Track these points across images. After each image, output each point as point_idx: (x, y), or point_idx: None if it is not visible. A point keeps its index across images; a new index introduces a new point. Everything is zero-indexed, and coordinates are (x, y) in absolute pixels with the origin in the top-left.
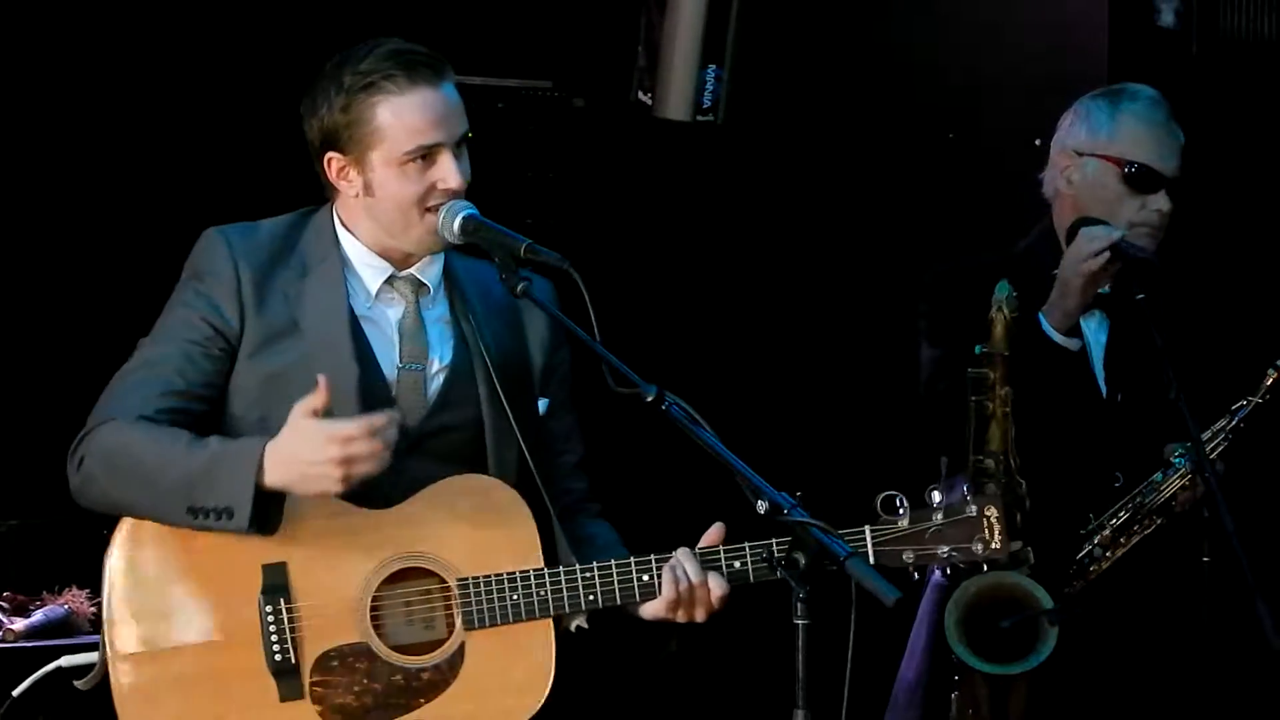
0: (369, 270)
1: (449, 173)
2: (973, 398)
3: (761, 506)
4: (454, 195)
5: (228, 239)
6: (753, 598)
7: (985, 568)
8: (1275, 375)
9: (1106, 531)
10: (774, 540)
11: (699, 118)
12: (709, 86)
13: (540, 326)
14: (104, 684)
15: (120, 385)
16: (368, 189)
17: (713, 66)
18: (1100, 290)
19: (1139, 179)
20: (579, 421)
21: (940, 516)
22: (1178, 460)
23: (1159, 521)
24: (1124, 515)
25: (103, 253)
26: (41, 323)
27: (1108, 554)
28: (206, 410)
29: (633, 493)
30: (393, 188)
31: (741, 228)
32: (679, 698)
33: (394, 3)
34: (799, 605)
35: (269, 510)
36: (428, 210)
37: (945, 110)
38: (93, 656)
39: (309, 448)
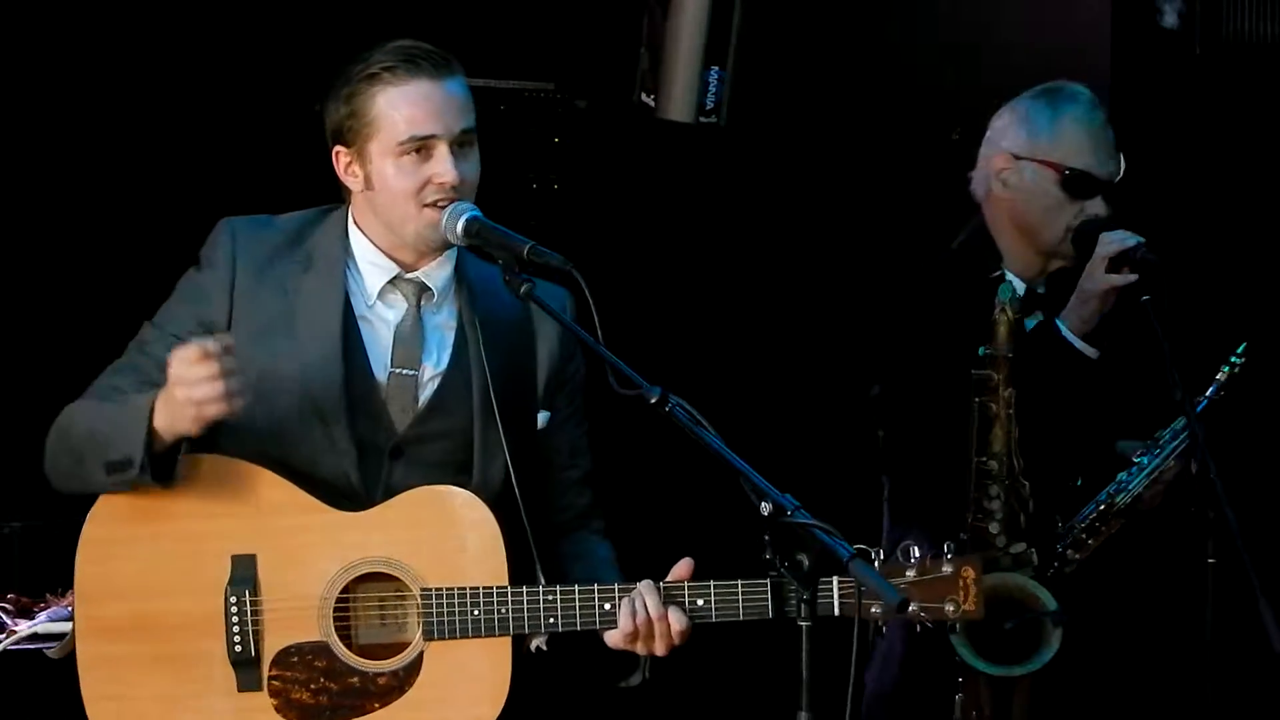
0: (373, 270)
1: (445, 167)
2: (976, 399)
3: (765, 508)
4: (451, 191)
5: (234, 230)
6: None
7: (958, 628)
8: (1229, 371)
9: (1079, 534)
10: (740, 581)
11: (702, 119)
12: (712, 88)
13: (551, 337)
14: (73, 655)
15: (106, 372)
16: (368, 182)
17: (715, 68)
18: (1039, 290)
19: (1076, 184)
20: (588, 435)
21: (913, 574)
22: (1139, 459)
23: (1123, 521)
24: (1092, 516)
25: (107, 256)
26: (46, 325)
27: (1076, 556)
28: None
29: (636, 497)
30: (390, 179)
31: (745, 229)
32: (682, 700)
33: (398, 4)
34: (803, 607)
35: (168, 460)
36: (426, 205)
37: (948, 110)
38: (68, 626)
39: (170, 380)
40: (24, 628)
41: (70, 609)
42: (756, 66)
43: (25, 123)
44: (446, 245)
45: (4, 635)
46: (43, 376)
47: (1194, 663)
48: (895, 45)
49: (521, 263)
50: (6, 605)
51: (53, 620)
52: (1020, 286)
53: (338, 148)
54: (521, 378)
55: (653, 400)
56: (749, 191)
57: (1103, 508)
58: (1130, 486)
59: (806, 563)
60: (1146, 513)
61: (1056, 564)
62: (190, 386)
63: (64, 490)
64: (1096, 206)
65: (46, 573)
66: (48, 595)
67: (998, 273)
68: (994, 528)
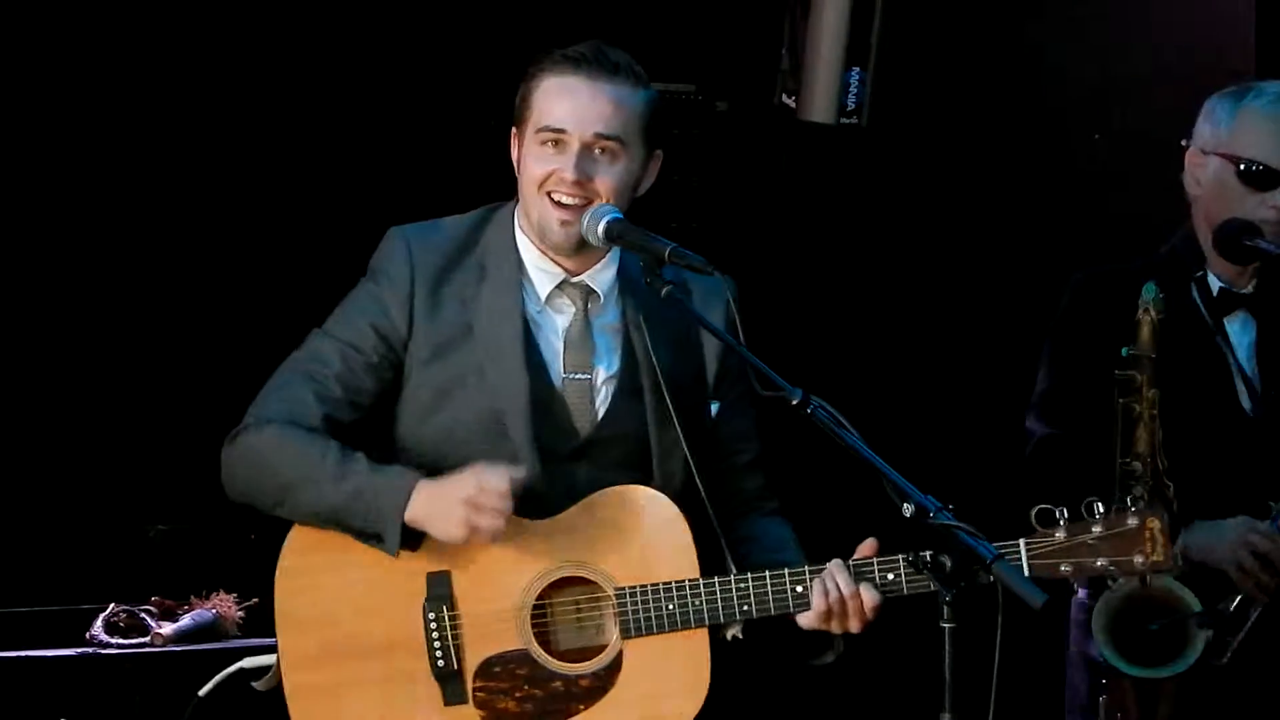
0: (541, 274)
1: (567, 165)
2: (1120, 400)
3: (908, 510)
4: (574, 188)
5: (407, 241)
6: (899, 600)
7: (1148, 579)
8: None
9: None
10: (929, 552)
11: (843, 120)
12: (853, 89)
13: (717, 328)
14: (281, 686)
15: (281, 380)
16: (518, 164)
17: (856, 69)
18: (1242, 291)
19: (1256, 177)
20: (755, 419)
21: (1100, 529)
22: None
23: None
24: None
25: (255, 263)
26: (190, 330)
27: None
28: (358, 418)
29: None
30: (526, 164)
31: (886, 230)
32: (828, 700)
33: (542, 7)
34: (945, 608)
35: (414, 536)
36: (552, 201)
37: (1090, 111)
38: (272, 659)
39: (457, 484)
40: (170, 629)
41: (214, 612)
42: (898, 67)
43: (185, 131)
44: (573, 245)
45: (146, 637)
46: (182, 384)
47: None
48: (1037, 45)
49: (663, 264)
50: (150, 608)
51: (200, 625)
52: (1150, 292)
53: (513, 128)
54: (692, 372)
55: (794, 402)
56: (890, 193)
57: None
58: None
59: (949, 564)
60: None
61: None
62: (485, 515)
63: (241, 503)
64: (1279, 198)
65: (190, 575)
66: (191, 598)
67: (1199, 273)
68: None
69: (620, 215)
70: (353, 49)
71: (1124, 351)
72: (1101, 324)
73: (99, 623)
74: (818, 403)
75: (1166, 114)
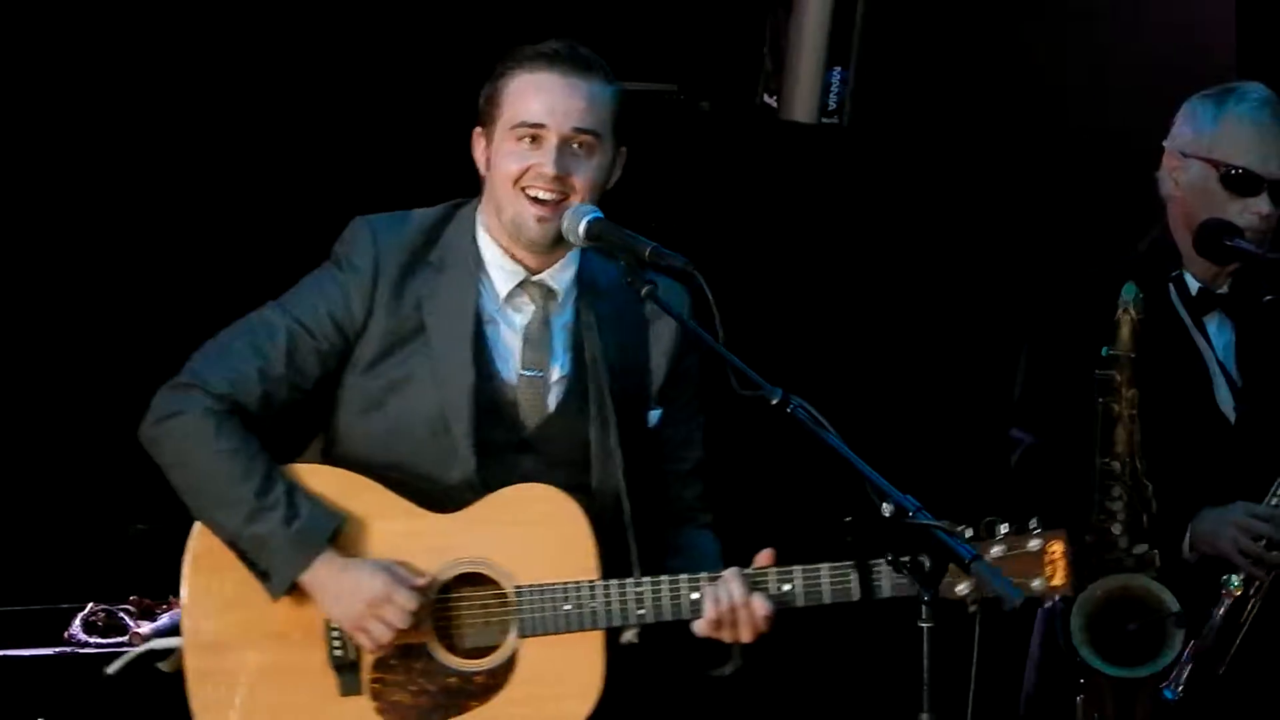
0: (501, 273)
1: (546, 160)
2: (1099, 400)
3: (886, 509)
4: (553, 183)
5: (374, 232)
6: (878, 601)
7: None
8: None
9: None
10: (826, 565)
11: (824, 120)
12: (834, 89)
13: (667, 333)
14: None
15: (227, 344)
16: (488, 163)
17: (838, 68)
18: (1219, 290)
19: (1238, 182)
20: (702, 428)
21: (999, 549)
22: None
23: None
24: None
25: (236, 262)
26: (170, 328)
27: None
28: (297, 400)
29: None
30: (500, 161)
31: (868, 230)
32: (807, 700)
33: (523, 6)
34: (924, 608)
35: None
36: (524, 193)
37: (1071, 111)
38: (180, 641)
39: (369, 583)
40: (148, 628)
41: None
42: (879, 67)
43: (152, 124)
44: (548, 242)
45: (124, 637)
46: (162, 383)
47: None
48: (1019, 45)
49: (643, 264)
50: (129, 607)
51: (178, 624)
52: (1130, 292)
53: (477, 128)
54: (636, 378)
55: (774, 401)
56: (871, 192)
57: None
58: None
59: (928, 564)
60: None
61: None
62: (378, 627)
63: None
64: (1260, 204)
65: (168, 574)
66: (170, 597)
67: (1176, 273)
68: (1116, 529)
69: (600, 215)
70: (329, 43)
71: (1104, 351)
72: (1079, 326)
73: (77, 622)
74: (797, 402)
75: (1148, 115)
